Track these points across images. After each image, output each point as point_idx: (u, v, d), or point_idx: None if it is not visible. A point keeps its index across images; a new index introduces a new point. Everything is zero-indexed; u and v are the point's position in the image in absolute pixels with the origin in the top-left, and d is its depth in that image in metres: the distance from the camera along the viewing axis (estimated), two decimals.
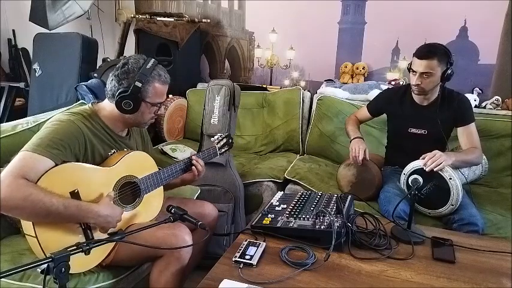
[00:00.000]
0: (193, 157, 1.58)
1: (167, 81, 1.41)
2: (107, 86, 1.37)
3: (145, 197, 1.42)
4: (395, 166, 2.07)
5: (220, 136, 1.80)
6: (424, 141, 1.94)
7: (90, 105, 1.40)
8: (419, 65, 1.79)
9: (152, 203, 1.46)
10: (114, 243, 1.31)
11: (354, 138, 2.02)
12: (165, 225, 1.27)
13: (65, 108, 1.83)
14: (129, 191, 1.38)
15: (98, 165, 1.32)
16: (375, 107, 2.16)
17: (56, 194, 1.13)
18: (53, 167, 1.16)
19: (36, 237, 1.14)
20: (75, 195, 1.20)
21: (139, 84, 1.32)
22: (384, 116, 2.16)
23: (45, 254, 1.14)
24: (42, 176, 1.14)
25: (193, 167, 1.57)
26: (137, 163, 1.41)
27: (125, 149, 1.45)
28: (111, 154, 1.38)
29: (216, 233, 1.89)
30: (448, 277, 1.18)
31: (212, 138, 1.79)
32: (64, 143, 1.21)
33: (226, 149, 1.81)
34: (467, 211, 1.70)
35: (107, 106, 1.39)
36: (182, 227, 1.36)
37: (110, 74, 1.37)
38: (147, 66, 1.34)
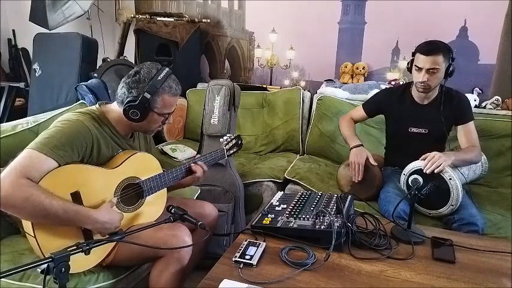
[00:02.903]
0: (195, 163, 1.56)
1: (177, 93, 1.40)
2: (117, 90, 1.37)
3: (148, 198, 1.41)
4: (396, 167, 2.06)
5: (229, 137, 1.78)
6: (424, 141, 1.94)
7: (97, 106, 1.40)
8: (426, 61, 1.77)
9: (155, 205, 1.46)
10: (114, 243, 1.31)
11: (353, 147, 1.98)
12: (165, 226, 1.27)
13: (66, 108, 1.84)
14: (132, 192, 1.38)
15: (102, 165, 1.32)
16: (372, 107, 2.12)
17: (57, 196, 1.13)
18: (56, 167, 1.17)
19: (35, 237, 1.14)
20: (76, 196, 1.20)
21: (149, 96, 1.31)
22: (383, 115, 2.15)
23: (43, 254, 1.14)
24: (44, 176, 1.14)
25: (196, 173, 1.55)
26: (142, 164, 1.41)
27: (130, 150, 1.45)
28: (116, 154, 1.38)
29: (216, 233, 1.89)
30: (448, 277, 1.18)
31: (221, 140, 1.77)
32: (72, 144, 1.21)
33: (235, 150, 1.80)
34: (467, 211, 1.69)
35: (115, 109, 1.38)
36: (182, 227, 1.36)
37: (122, 80, 1.37)
38: (159, 78, 1.33)
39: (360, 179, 1.92)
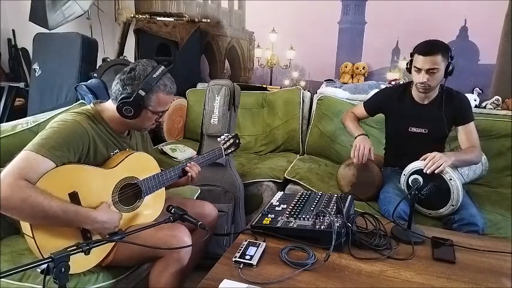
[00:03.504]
0: (188, 164, 1.56)
1: (172, 92, 1.40)
2: (112, 87, 1.36)
3: (146, 198, 1.41)
4: (396, 167, 2.06)
5: (227, 137, 1.78)
6: (424, 140, 1.93)
7: (92, 105, 1.39)
8: (425, 62, 1.76)
9: (154, 204, 1.46)
10: (114, 243, 1.31)
11: (358, 135, 1.99)
12: (165, 227, 1.27)
13: (66, 108, 1.84)
14: (130, 193, 1.37)
15: (99, 165, 1.32)
16: (372, 105, 2.12)
17: (56, 197, 1.13)
18: (53, 168, 1.16)
19: (34, 238, 1.14)
20: (74, 196, 1.19)
21: (143, 93, 1.31)
22: (383, 115, 2.15)
23: (42, 255, 1.14)
24: (41, 177, 1.14)
25: (188, 173, 1.55)
26: (139, 164, 1.40)
27: (127, 149, 1.44)
28: (114, 154, 1.38)
29: (216, 233, 1.89)
30: (448, 277, 1.18)
31: (218, 139, 1.77)
32: (68, 144, 1.21)
33: (232, 149, 1.80)
34: (468, 211, 1.69)
35: (110, 107, 1.38)
36: (182, 228, 1.36)
37: (117, 76, 1.36)
38: (154, 75, 1.32)
39: (364, 161, 1.90)
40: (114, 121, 1.38)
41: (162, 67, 1.37)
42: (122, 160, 1.34)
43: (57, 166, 1.17)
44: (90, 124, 1.31)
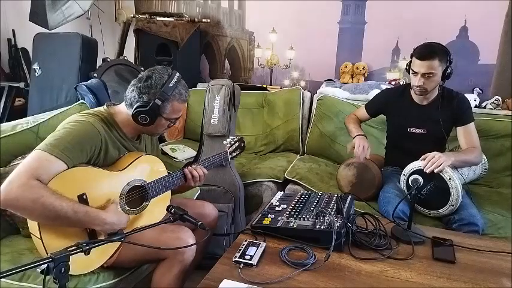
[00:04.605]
0: (194, 167, 1.54)
1: (186, 100, 1.42)
2: (126, 93, 1.36)
3: (152, 200, 1.41)
4: (396, 167, 2.06)
5: (233, 140, 1.78)
6: (423, 141, 1.94)
7: (105, 107, 1.40)
8: (421, 66, 1.77)
9: (159, 207, 1.45)
10: (118, 245, 1.31)
11: (357, 135, 2.00)
12: (169, 229, 1.27)
13: (66, 108, 1.84)
14: (137, 195, 1.38)
15: (108, 166, 1.32)
16: (373, 107, 2.14)
17: (66, 198, 1.13)
18: (65, 169, 1.16)
19: (41, 238, 1.14)
20: (82, 199, 1.20)
21: (159, 103, 1.31)
22: (384, 116, 2.16)
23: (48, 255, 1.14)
24: (53, 177, 1.14)
25: (192, 176, 1.53)
26: (147, 167, 1.41)
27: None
28: (123, 156, 1.38)
29: (216, 233, 1.89)
30: (448, 277, 1.18)
31: (224, 142, 1.77)
32: (81, 145, 1.21)
33: (238, 152, 1.80)
34: (468, 211, 1.69)
35: (123, 111, 1.38)
36: (185, 230, 1.36)
37: (132, 83, 1.36)
38: (170, 84, 1.33)
39: (368, 158, 1.91)
40: (127, 125, 1.38)
41: (178, 75, 1.38)
42: (131, 162, 1.34)
43: (68, 168, 1.17)
44: (103, 126, 1.31)
